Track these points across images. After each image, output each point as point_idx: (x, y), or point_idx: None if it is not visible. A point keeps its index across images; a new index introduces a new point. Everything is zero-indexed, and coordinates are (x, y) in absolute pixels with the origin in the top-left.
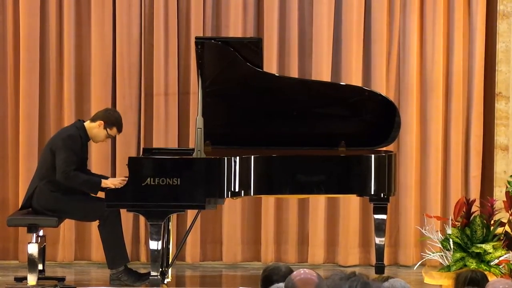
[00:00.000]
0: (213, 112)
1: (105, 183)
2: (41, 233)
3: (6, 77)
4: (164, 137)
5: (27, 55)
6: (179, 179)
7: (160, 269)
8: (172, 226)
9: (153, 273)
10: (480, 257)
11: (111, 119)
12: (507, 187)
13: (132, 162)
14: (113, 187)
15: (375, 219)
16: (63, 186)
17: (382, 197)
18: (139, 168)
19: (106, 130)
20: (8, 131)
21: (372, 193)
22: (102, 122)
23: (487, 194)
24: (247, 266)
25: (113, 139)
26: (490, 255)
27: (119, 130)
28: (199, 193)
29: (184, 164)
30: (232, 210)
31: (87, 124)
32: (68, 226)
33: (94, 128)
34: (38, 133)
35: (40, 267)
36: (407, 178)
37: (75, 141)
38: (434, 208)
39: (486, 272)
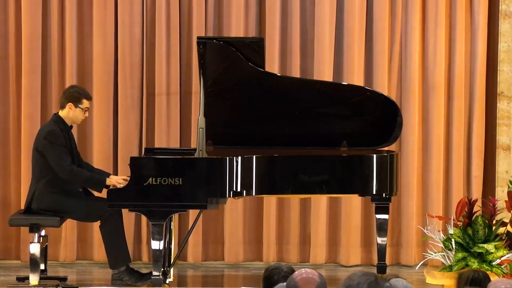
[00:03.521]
0: (215, 111)
1: (110, 181)
2: (43, 233)
3: (8, 77)
4: (166, 137)
5: (29, 55)
6: (181, 179)
7: (162, 269)
8: (174, 226)
9: (155, 273)
10: (482, 257)
11: (74, 95)
12: (509, 187)
13: (134, 162)
14: (118, 185)
15: (377, 219)
16: (62, 186)
17: (384, 197)
18: (141, 168)
19: (79, 108)
20: (10, 131)
21: (374, 193)
22: (70, 103)
23: (489, 194)
24: (249, 266)
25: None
26: (492, 255)
27: (88, 98)
28: (201, 193)
29: (186, 164)
30: (234, 210)
31: (61, 113)
32: (70, 226)
33: (68, 113)
34: None
35: (42, 267)
36: (409, 178)
37: (57, 135)
38: (436, 208)
39: (488, 272)
